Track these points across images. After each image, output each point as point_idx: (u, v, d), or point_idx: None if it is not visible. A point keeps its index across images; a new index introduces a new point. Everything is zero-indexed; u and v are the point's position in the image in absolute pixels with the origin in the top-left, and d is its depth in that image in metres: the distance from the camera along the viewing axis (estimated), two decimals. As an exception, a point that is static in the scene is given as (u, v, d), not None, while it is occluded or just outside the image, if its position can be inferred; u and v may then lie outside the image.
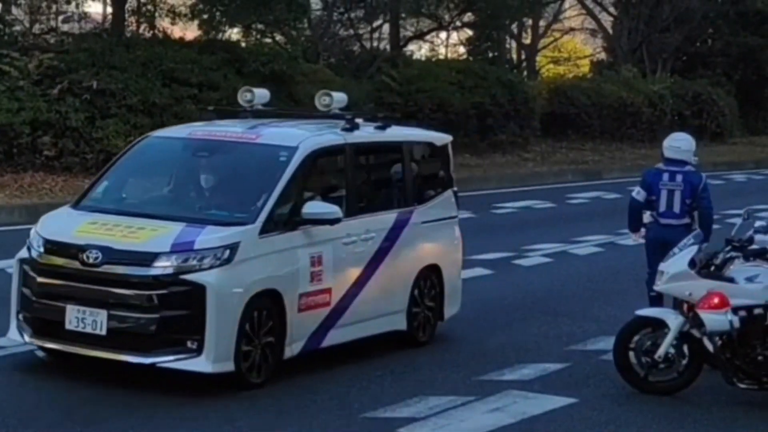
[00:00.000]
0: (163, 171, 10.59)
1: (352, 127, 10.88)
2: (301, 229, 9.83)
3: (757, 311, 9.62)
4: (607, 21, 43.85)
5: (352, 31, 33.81)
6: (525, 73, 39.51)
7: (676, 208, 11.72)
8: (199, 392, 9.25)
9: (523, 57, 41.88)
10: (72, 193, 20.08)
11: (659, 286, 10.03)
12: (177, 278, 9.09)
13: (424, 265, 11.29)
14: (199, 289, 9.03)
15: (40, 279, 9.46)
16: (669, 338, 9.72)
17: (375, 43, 34.54)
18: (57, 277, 9.39)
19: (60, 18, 28.78)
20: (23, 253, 9.83)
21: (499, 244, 17.29)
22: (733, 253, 9.95)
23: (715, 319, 9.54)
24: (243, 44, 26.78)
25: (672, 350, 9.75)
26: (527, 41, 42.29)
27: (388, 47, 33.67)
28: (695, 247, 9.98)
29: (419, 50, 39.43)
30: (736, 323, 9.54)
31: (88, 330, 9.15)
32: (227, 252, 9.22)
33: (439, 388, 9.71)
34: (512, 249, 16.88)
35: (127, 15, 25.93)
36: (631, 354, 9.89)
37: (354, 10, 33.20)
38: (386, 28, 34.31)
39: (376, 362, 10.47)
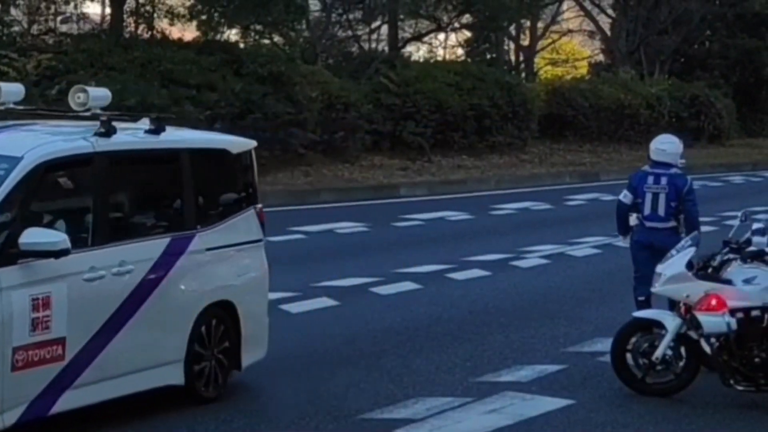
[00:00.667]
0: None
1: (108, 131, 8.54)
2: (20, 263, 7.71)
3: (754, 313, 9.63)
4: (605, 23, 43.89)
5: (350, 33, 33.85)
6: (523, 74, 39.55)
7: (661, 211, 11.65)
8: (193, 396, 9.26)
9: (521, 58, 41.94)
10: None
11: (657, 287, 10.03)
12: None
13: (211, 302, 9.12)
14: None
15: None
16: (666, 340, 9.73)
17: (373, 45, 34.57)
18: None
19: (58, 19, 28.81)
20: None
21: (497, 245, 17.31)
22: (731, 255, 9.95)
23: (712, 321, 9.55)
24: (241, 45, 26.83)
25: (669, 352, 9.76)
26: (525, 43, 42.34)
27: (386, 48, 33.70)
28: (692, 249, 9.99)
29: (417, 51, 39.47)
30: (734, 325, 9.54)
31: None
32: None
33: (436, 390, 9.71)
34: (510, 250, 16.90)
35: (125, 16, 25.95)
36: (629, 356, 9.90)
37: (352, 12, 33.23)
38: (384, 29, 34.34)
39: (372, 363, 10.47)
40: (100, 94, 9.08)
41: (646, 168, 11.96)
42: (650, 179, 11.72)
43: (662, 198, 11.65)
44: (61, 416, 8.07)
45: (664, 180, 11.66)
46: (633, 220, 11.97)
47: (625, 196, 11.92)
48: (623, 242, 12.32)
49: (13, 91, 9.25)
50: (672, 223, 11.66)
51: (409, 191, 25.51)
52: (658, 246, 11.47)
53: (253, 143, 10.14)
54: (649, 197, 11.69)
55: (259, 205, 9.92)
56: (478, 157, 29.70)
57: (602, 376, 10.23)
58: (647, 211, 11.70)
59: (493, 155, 30.37)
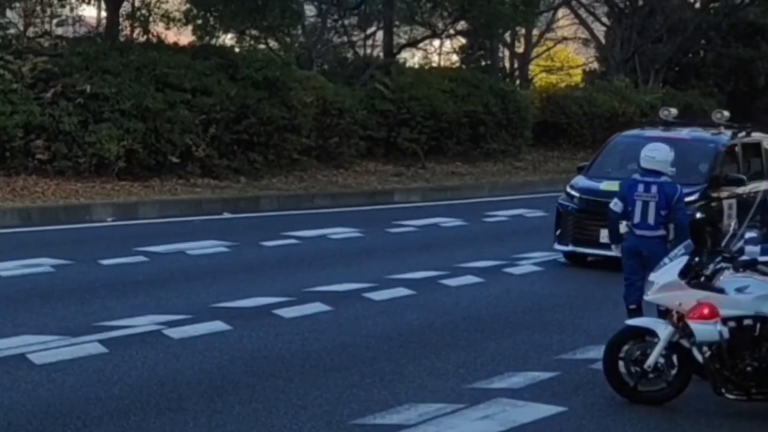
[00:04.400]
0: None
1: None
2: None
3: (746, 322, 9.66)
4: (599, 31, 43.97)
5: (345, 38, 33.89)
6: (518, 81, 39.61)
7: (651, 220, 11.76)
8: (187, 400, 9.28)
9: (515, 66, 42.00)
10: (64, 196, 20.12)
11: (649, 296, 10.06)
12: None
13: None
14: None
15: None
16: (658, 348, 9.76)
17: (368, 51, 34.61)
18: None
19: (54, 22, 28.83)
20: None
21: (491, 252, 17.35)
22: (724, 264, 9.99)
23: (704, 330, 9.58)
24: (237, 50, 26.86)
25: (661, 360, 9.79)
26: (520, 50, 42.41)
27: (381, 54, 33.73)
28: (686, 258, 10.02)
29: (412, 58, 39.52)
30: (726, 334, 9.58)
31: None
32: None
33: (428, 396, 9.73)
34: (503, 257, 16.93)
35: (121, 19, 25.97)
36: (621, 363, 9.92)
37: (348, 18, 33.28)
38: (380, 35, 34.39)
39: (365, 369, 10.49)
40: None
41: (636, 176, 12.05)
42: (640, 187, 11.85)
43: (652, 206, 11.74)
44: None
45: (654, 188, 11.78)
46: (623, 227, 12.04)
47: (616, 204, 12.02)
48: (615, 251, 12.38)
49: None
50: (661, 232, 11.72)
51: (403, 197, 25.54)
52: (647, 254, 11.64)
53: None
54: (639, 205, 11.81)
55: None
56: (472, 164, 29.74)
57: (594, 384, 10.26)
58: (637, 219, 11.82)
59: (487, 162, 30.41)
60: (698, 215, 15.47)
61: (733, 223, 10.89)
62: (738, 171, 17.11)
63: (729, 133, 17.52)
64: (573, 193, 16.90)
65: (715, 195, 16.46)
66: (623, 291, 12.19)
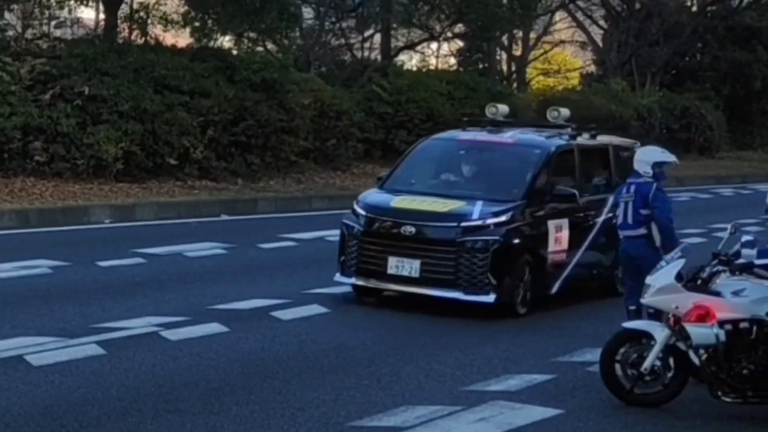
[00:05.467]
0: None
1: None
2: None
3: (743, 325, 9.68)
4: (597, 34, 44.02)
5: (343, 41, 33.89)
6: (515, 84, 39.64)
7: (629, 219, 11.78)
8: (184, 402, 9.30)
9: (513, 69, 42.01)
10: (62, 198, 20.13)
11: (646, 298, 10.09)
12: None
13: None
14: None
15: None
16: (655, 351, 9.78)
17: (366, 53, 34.61)
18: None
19: (53, 23, 28.82)
20: None
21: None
22: (720, 267, 10.01)
23: (701, 333, 9.61)
24: (235, 52, 26.85)
25: (658, 363, 9.81)
26: (518, 53, 42.43)
27: (379, 57, 33.75)
28: (682, 261, 10.04)
29: (410, 60, 39.55)
30: (722, 337, 9.60)
31: None
32: None
33: (425, 398, 9.75)
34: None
35: (119, 21, 25.97)
36: (617, 366, 9.94)
37: (346, 20, 33.29)
38: (377, 38, 34.41)
39: (362, 371, 10.51)
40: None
41: (628, 179, 12.22)
42: (624, 189, 12.00)
43: (630, 206, 11.80)
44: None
45: (632, 188, 11.85)
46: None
47: (615, 217, 12.28)
48: None
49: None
50: (642, 231, 11.72)
51: (401, 200, 25.48)
52: (633, 255, 11.76)
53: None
54: (622, 207, 11.95)
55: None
56: (470, 167, 29.73)
57: (591, 386, 10.28)
58: (620, 220, 11.98)
59: (485, 164, 30.40)
60: (516, 240, 13.06)
61: (730, 226, 10.90)
62: (575, 182, 14.20)
63: (566, 136, 14.65)
64: (359, 210, 13.53)
65: (539, 214, 13.51)
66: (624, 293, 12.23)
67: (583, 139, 14.79)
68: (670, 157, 12.11)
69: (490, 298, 12.84)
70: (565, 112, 15.19)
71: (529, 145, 14.15)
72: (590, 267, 14.31)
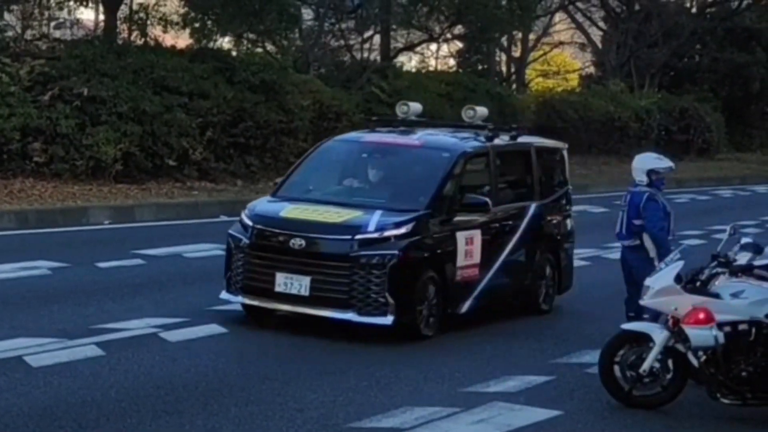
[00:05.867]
0: None
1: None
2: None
3: (741, 327, 9.69)
4: (596, 35, 44.04)
5: (342, 42, 33.89)
6: (514, 86, 39.65)
7: (624, 229, 11.69)
8: (183, 403, 9.30)
9: (512, 70, 42.02)
10: (61, 199, 20.14)
11: (645, 300, 10.10)
12: None
13: None
14: None
15: None
16: (654, 353, 9.79)
17: (365, 54, 34.61)
18: None
19: (52, 24, 28.82)
20: None
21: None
22: (719, 269, 10.01)
23: (700, 335, 9.62)
24: (234, 53, 26.85)
25: (657, 365, 9.82)
26: (517, 54, 42.43)
27: (378, 58, 33.75)
28: (681, 262, 10.05)
29: (409, 62, 39.53)
30: (721, 339, 9.61)
31: None
32: None
33: (424, 399, 9.75)
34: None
35: (119, 22, 25.96)
36: (616, 368, 9.95)
37: (345, 21, 33.29)
38: (377, 39, 34.40)
39: (361, 373, 10.52)
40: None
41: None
42: (623, 198, 11.87)
43: (624, 216, 11.70)
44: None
45: (627, 197, 11.74)
46: None
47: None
48: None
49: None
50: (636, 241, 11.60)
51: (400, 201, 25.49)
52: (629, 263, 11.71)
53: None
54: (620, 216, 11.83)
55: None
56: (468, 168, 29.73)
57: (590, 388, 10.28)
58: (617, 229, 11.86)
59: (484, 166, 30.41)
60: (418, 255, 11.71)
61: (729, 228, 10.90)
62: (491, 189, 12.88)
63: (482, 137, 13.22)
64: (246, 220, 12.17)
65: (446, 225, 12.09)
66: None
67: (502, 140, 13.45)
68: (666, 163, 11.83)
69: (388, 320, 11.44)
70: (482, 110, 13.92)
71: (437, 148, 12.75)
72: (509, 282, 13.06)
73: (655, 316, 10.54)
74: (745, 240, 10.63)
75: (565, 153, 14.74)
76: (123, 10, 26.24)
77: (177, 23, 26.57)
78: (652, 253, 11.47)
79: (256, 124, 24.26)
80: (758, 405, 9.77)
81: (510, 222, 13.09)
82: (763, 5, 43.95)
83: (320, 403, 9.46)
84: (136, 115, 22.06)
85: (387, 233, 11.59)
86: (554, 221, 13.97)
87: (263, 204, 12.49)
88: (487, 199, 12.39)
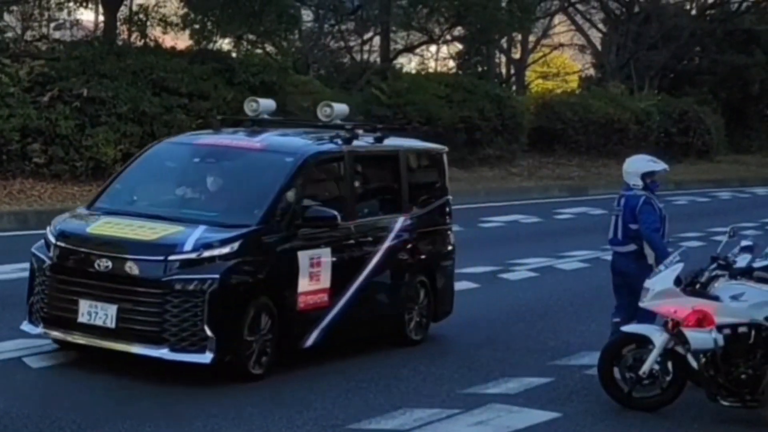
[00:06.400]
0: None
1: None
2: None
3: (741, 330, 9.70)
4: (596, 37, 44.06)
5: (342, 44, 33.92)
6: (513, 87, 39.65)
7: (619, 234, 11.18)
8: (183, 404, 9.30)
9: (512, 72, 42.03)
10: (61, 200, 20.14)
11: (644, 302, 10.09)
12: None
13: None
14: None
15: None
16: (653, 355, 9.79)
17: (365, 56, 34.64)
18: None
19: (52, 25, 28.82)
20: None
21: (486, 257, 17.36)
22: (719, 271, 10.02)
23: (699, 337, 9.62)
24: (234, 54, 26.86)
25: (656, 367, 9.82)
26: (516, 56, 42.44)
27: (378, 60, 33.77)
28: (681, 265, 10.05)
29: (409, 63, 39.52)
30: (721, 341, 9.62)
31: None
32: None
33: (423, 401, 9.76)
34: (498, 263, 16.96)
35: (118, 23, 25.97)
36: (616, 370, 9.96)
37: (345, 23, 33.31)
38: (377, 40, 34.43)
39: (361, 374, 10.52)
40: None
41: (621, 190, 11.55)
42: (616, 202, 11.37)
43: (619, 220, 11.21)
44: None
45: (621, 201, 11.23)
46: None
47: None
48: None
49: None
50: (632, 247, 11.09)
51: (399, 202, 25.49)
52: (624, 270, 11.12)
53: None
54: (612, 221, 11.29)
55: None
56: (468, 170, 29.77)
57: (589, 390, 10.29)
58: (610, 234, 11.31)
59: (483, 168, 30.45)
60: (246, 279, 9.93)
61: (728, 230, 10.89)
62: (346, 199, 11.05)
63: (338, 139, 11.35)
64: (50, 237, 10.31)
65: (285, 243, 10.27)
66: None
67: (364, 142, 11.67)
68: (660, 165, 11.47)
69: (206, 357, 9.66)
70: (341, 108, 11.94)
71: (279, 152, 10.88)
72: (369, 310, 11.26)
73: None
74: (744, 243, 10.62)
75: (444, 157, 12.81)
76: (123, 11, 26.25)
77: (177, 24, 26.58)
78: (651, 259, 11.01)
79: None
80: (757, 407, 9.77)
81: (370, 238, 11.23)
82: (763, 7, 43.96)
83: (319, 404, 9.47)
84: (135, 116, 22.07)
85: (207, 253, 9.78)
86: (429, 237, 12.15)
87: (69, 220, 10.56)
88: (336, 213, 10.54)
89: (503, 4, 31.66)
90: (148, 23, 26.43)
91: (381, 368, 10.76)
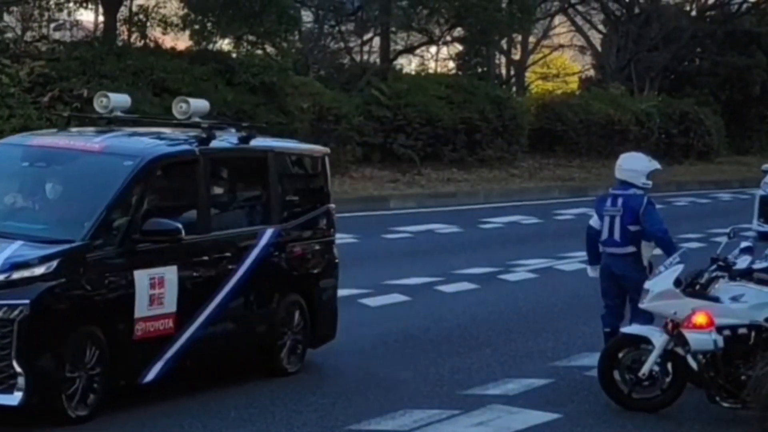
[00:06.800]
0: None
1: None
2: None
3: (741, 331, 9.69)
4: (596, 38, 44.06)
5: (342, 44, 33.90)
6: (514, 88, 39.65)
7: (617, 236, 10.74)
8: (182, 405, 9.30)
9: (512, 73, 42.02)
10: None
11: (644, 304, 10.08)
12: None
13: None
14: None
15: None
16: (653, 356, 9.79)
17: (365, 57, 34.63)
18: None
19: (52, 26, 28.80)
20: None
21: (486, 258, 17.37)
22: (719, 273, 10.01)
23: (699, 338, 9.62)
24: (234, 55, 26.84)
25: (656, 368, 9.81)
26: (517, 57, 42.43)
27: (378, 61, 33.76)
28: (681, 266, 10.05)
29: (409, 64, 39.51)
30: (720, 342, 9.61)
31: None
32: None
33: (423, 402, 9.75)
34: (498, 264, 16.95)
35: (118, 24, 25.97)
36: (616, 371, 9.95)
37: (345, 24, 33.30)
38: (377, 41, 34.42)
39: (360, 375, 10.52)
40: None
41: (610, 190, 11.09)
42: (609, 201, 10.87)
43: (618, 221, 10.75)
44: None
45: (620, 201, 10.78)
46: (601, 247, 11.01)
47: (594, 221, 11.04)
48: (592, 272, 11.27)
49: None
50: (631, 249, 10.77)
51: (399, 203, 25.57)
52: (619, 273, 10.82)
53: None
54: (606, 221, 10.82)
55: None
56: (468, 171, 29.77)
57: (589, 391, 10.28)
58: (605, 235, 10.85)
59: (483, 169, 30.45)
60: (65, 305, 8.62)
61: (728, 231, 10.86)
62: (201, 209, 9.67)
63: (193, 139, 10.00)
64: None
65: (118, 260, 8.99)
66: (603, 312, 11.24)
67: (225, 143, 10.32)
68: (658, 164, 11.25)
69: (14, 398, 8.35)
70: (199, 104, 10.50)
71: (119, 154, 9.52)
72: (228, 336, 9.92)
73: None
74: (744, 244, 10.61)
75: (325, 161, 11.26)
76: (123, 12, 26.24)
77: (177, 25, 26.56)
78: (646, 261, 10.81)
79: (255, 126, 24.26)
80: (748, 408, 9.75)
81: (229, 254, 9.82)
82: (763, 8, 43.96)
83: (319, 405, 9.47)
84: (135, 117, 22.05)
85: (18, 275, 8.42)
86: (306, 251, 10.70)
87: None
88: (179, 225, 9.21)
89: (503, 5, 31.65)
90: (148, 24, 26.42)
91: (381, 369, 10.75)
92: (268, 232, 10.24)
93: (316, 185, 11.15)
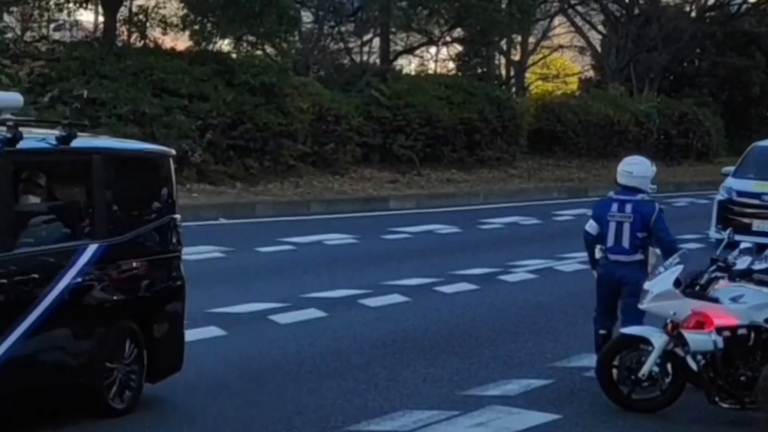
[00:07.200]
0: None
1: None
2: None
3: (741, 332, 9.69)
4: (595, 39, 44.08)
5: (342, 45, 33.91)
6: (513, 89, 39.66)
7: (625, 243, 10.44)
8: (181, 405, 9.30)
9: (511, 73, 42.04)
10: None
11: (644, 304, 10.08)
12: None
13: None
14: None
15: None
16: (653, 357, 9.79)
17: (365, 57, 34.65)
18: None
19: (51, 26, 28.83)
20: None
21: (485, 259, 17.38)
22: (718, 273, 10.01)
23: (698, 339, 9.62)
24: (234, 56, 26.88)
25: (655, 368, 9.81)
26: (516, 58, 42.45)
27: (377, 61, 33.78)
28: (680, 267, 10.05)
29: (409, 65, 39.55)
30: (720, 343, 9.61)
31: None
32: None
33: (422, 402, 9.75)
34: (498, 265, 16.96)
35: (118, 24, 25.99)
36: (615, 371, 9.96)
37: (344, 24, 33.31)
38: (376, 42, 34.44)
39: (360, 375, 10.52)
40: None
41: (612, 194, 10.77)
42: (614, 206, 10.52)
43: (626, 228, 10.44)
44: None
45: (628, 207, 10.45)
46: (598, 252, 10.73)
47: (591, 226, 10.71)
48: (595, 275, 10.91)
49: None
50: (638, 257, 10.53)
51: (399, 204, 25.58)
52: (624, 281, 10.56)
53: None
54: (612, 227, 10.47)
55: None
56: (468, 171, 29.79)
57: (588, 392, 10.28)
58: (611, 242, 10.51)
59: (482, 169, 30.47)
60: None
61: (728, 232, 10.87)
62: (6, 218, 8.04)
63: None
64: None
65: None
66: (594, 315, 11.02)
67: (39, 143, 8.62)
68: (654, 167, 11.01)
69: None
70: (7, 98, 9.10)
71: None
72: (33, 374, 8.20)
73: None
74: (744, 245, 10.61)
75: (170, 164, 9.67)
76: (122, 12, 26.27)
77: (176, 25, 26.60)
78: (650, 268, 10.55)
79: (255, 126, 24.28)
80: (757, 409, 9.76)
81: (36, 275, 8.14)
82: (762, 9, 43.99)
83: (318, 406, 9.47)
84: (135, 117, 22.09)
85: None
86: (142, 270, 9.08)
87: None
88: None
89: (503, 6, 31.68)
90: (148, 24, 26.45)
91: (380, 370, 10.75)
92: (91, 249, 8.58)
93: (157, 193, 9.47)
